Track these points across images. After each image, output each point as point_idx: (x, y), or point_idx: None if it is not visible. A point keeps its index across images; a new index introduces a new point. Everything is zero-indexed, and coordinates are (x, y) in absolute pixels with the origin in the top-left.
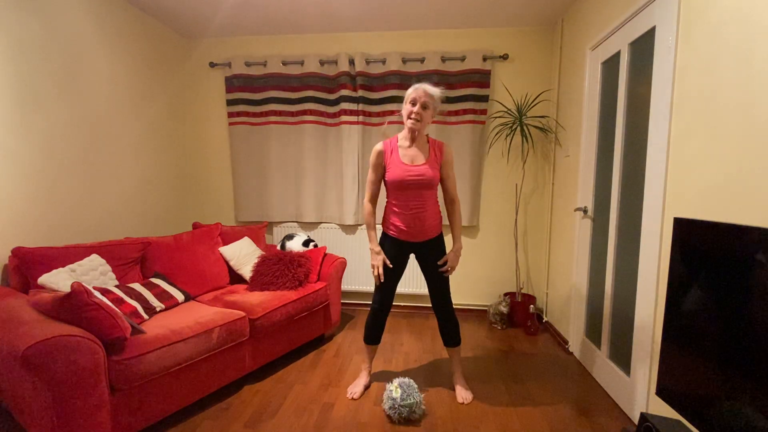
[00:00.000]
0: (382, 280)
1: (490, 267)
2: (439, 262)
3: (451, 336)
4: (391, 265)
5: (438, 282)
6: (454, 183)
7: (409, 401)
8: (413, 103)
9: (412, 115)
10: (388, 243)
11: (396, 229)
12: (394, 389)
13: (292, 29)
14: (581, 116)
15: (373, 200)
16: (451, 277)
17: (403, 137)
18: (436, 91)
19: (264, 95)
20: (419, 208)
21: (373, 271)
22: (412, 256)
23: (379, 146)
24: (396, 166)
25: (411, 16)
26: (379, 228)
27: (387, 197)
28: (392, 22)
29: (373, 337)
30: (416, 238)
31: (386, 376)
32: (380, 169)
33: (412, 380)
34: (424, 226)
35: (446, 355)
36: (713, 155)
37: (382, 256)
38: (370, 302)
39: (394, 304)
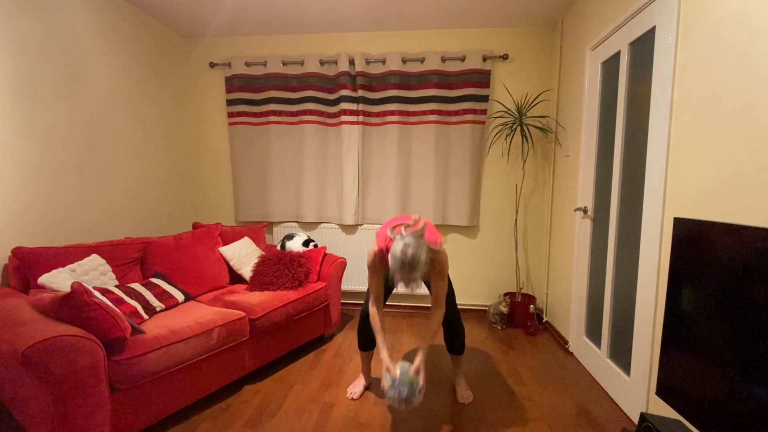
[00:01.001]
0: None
1: (490, 267)
2: (412, 372)
3: (455, 345)
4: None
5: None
6: (441, 297)
7: (408, 377)
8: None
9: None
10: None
11: None
12: (393, 368)
13: (292, 29)
14: (581, 116)
15: (378, 303)
16: (451, 277)
17: None
18: (418, 274)
19: (264, 95)
20: None
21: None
22: None
23: (374, 248)
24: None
25: (411, 16)
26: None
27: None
28: (392, 22)
29: (367, 343)
30: None
31: None
32: (380, 272)
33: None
34: None
35: (446, 355)
36: (713, 155)
37: (387, 359)
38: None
39: (394, 304)
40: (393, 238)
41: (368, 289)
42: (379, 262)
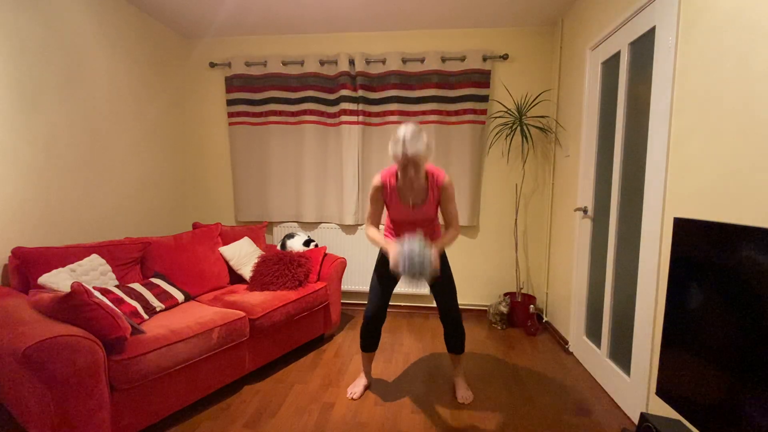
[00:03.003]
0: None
1: (490, 267)
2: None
3: (455, 345)
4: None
5: (443, 294)
6: (454, 216)
7: (419, 244)
8: (404, 168)
9: (408, 179)
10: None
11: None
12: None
13: (292, 29)
14: (581, 116)
15: (375, 224)
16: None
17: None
18: (421, 146)
19: (264, 95)
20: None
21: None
22: None
23: (377, 181)
24: (394, 207)
25: (411, 16)
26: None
27: (387, 214)
28: (392, 22)
29: (368, 345)
30: None
31: (387, 376)
32: (380, 203)
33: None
34: None
35: (447, 354)
36: (713, 155)
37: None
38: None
39: (394, 304)
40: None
41: (370, 290)
42: (378, 195)
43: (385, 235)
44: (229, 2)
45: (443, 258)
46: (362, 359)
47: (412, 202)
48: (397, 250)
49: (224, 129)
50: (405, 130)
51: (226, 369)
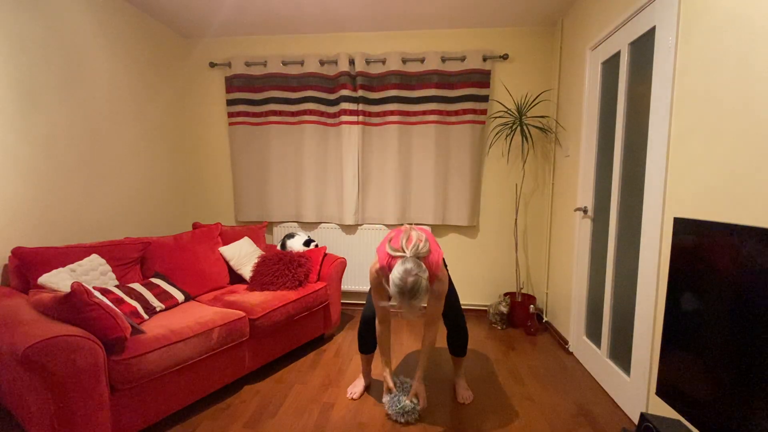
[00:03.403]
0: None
1: (490, 267)
2: (408, 399)
3: (457, 348)
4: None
5: (447, 306)
6: (437, 313)
7: (404, 405)
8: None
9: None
10: None
11: None
12: (393, 388)
13: (292, 29)
14: (581, 116)
15: (385, 322)
16: (451, 277)
17: None
18: (422, 293)
19: (264, 95)
20: None
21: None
22: None
23: (377, 265)
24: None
25: (411, 16)
26: (378, 227)
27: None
28: (392, 22)
29: (367, 346)
30: None
31: None
32: (384, 290)
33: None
34: None
35: (447, 355)
36: (713, 155)
37: (389, 378)
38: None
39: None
40: (395, 255)
41: (369, 293)
42: (381, 281)
43: (380, 264)
44: (229, 2)
45: (440, 279)
46: (361, 360)
47: None
48: (386, 399)
49: (224, 129)
50: (404, 282)
51: (226, 369)
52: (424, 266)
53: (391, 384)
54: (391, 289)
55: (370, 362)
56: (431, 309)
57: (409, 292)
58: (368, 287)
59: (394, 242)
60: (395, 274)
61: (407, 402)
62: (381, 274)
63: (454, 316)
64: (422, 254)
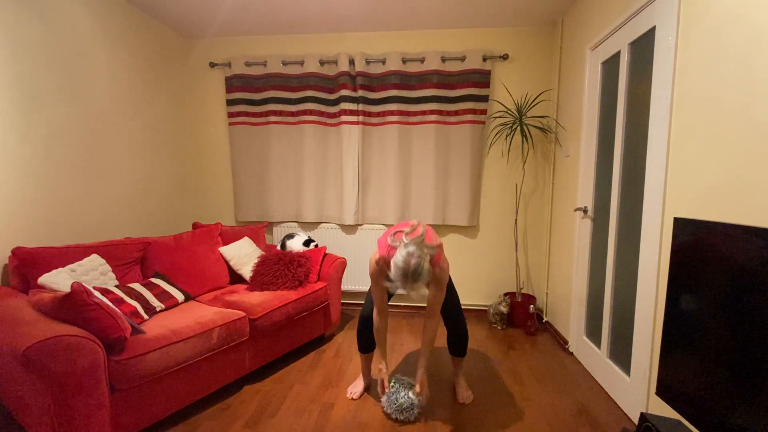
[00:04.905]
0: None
1: (490, 267)
2: (413, 393)
3: (457, 348)
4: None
5: (447, 308)
6: (437, 301)
7: (402, 401)
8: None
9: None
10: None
11: None
12: (388, 385)
13: (292, 29)
14: (581, 116)
15: (383, 315)
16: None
17: None
18: (425, 275)
19: (264, 95)
20: None
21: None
22: None
23: (377, 255)
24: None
25: (411, 16)
26: (381, 227)
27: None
28: (392, 22)
29: (366, 345)
30: None
31: None
32: (383, 281)
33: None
34: None
35: (447, 355)
36: (713, 155)
37: (384, 371)
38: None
39: (395, 304)
40: (394, 245)
41: (368, 292)
42: (381, 271)
43: (380, 254)
44: (229, 2)
45: (441, 268)
46: (361, 360)
47: None
48: (383, 399)
49: (224, 129)
50: (407, 264)
51: (226, 369)
52: (426, 249)
53: (385, 378)
54: (393, 272)
55: (370, 361)
56: (432, 299)
57: (412, 274)
58: (368, 287)
59: (397, 234)
60: (398, 257)
61: (404, 399)
62: (381, 264)
63: (455, 317)
64: (420, 238)
